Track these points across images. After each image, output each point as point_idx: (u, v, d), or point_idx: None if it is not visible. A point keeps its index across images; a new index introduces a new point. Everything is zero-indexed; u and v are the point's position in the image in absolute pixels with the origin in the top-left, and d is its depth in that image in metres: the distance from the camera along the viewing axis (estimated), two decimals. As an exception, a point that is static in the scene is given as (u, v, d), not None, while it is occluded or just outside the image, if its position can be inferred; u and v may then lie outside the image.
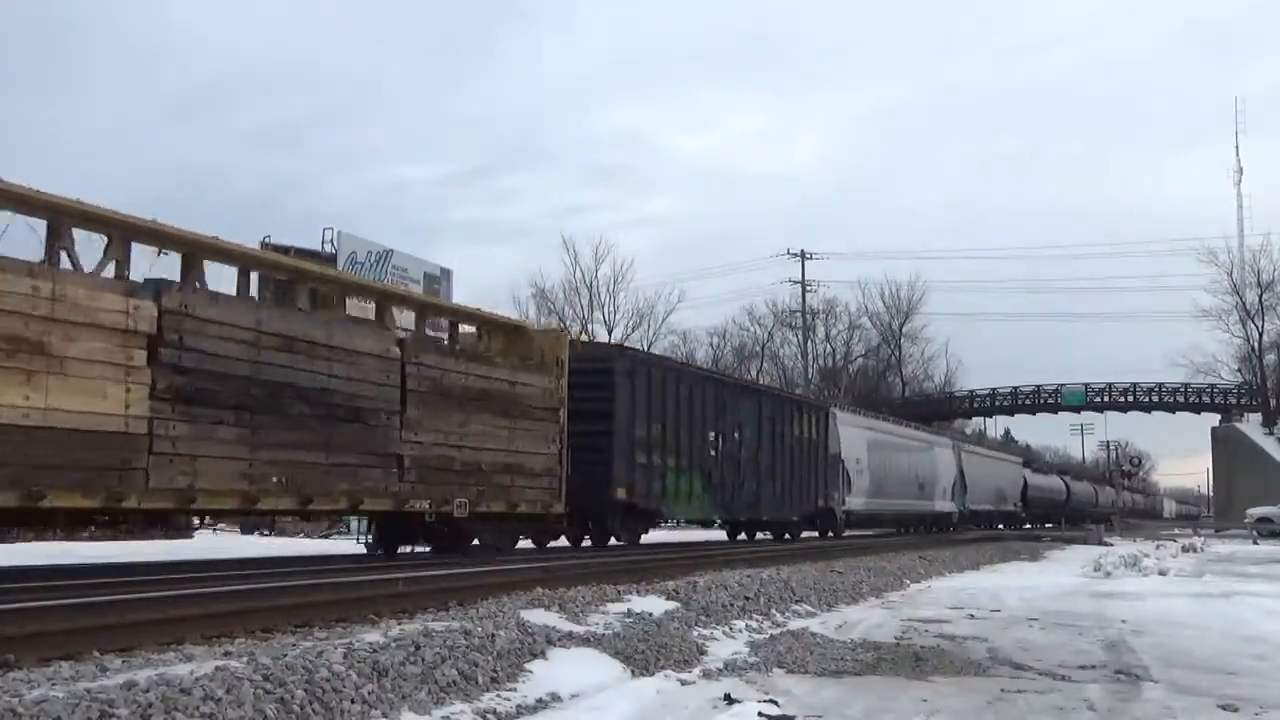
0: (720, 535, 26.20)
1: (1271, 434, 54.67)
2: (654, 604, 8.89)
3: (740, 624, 9.10)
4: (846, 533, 28.73)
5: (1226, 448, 56.93)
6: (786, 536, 25.10)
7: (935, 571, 17.37)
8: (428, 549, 14.52)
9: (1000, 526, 46.67)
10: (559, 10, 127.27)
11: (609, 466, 16.85)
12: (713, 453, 20.22)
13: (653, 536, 21.61)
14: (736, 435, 21.26)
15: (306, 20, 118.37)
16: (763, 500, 22.52)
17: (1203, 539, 34.32)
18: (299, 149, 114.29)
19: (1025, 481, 53.42)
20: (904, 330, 69.36)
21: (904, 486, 33.75)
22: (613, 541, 18.02)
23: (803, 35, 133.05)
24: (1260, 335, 60.03)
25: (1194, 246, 66.19)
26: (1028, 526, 52.24)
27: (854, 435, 29.66)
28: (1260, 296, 59.43)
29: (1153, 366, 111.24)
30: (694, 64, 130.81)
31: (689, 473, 19.31)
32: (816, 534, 27.05)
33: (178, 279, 10.35)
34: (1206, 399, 63.24)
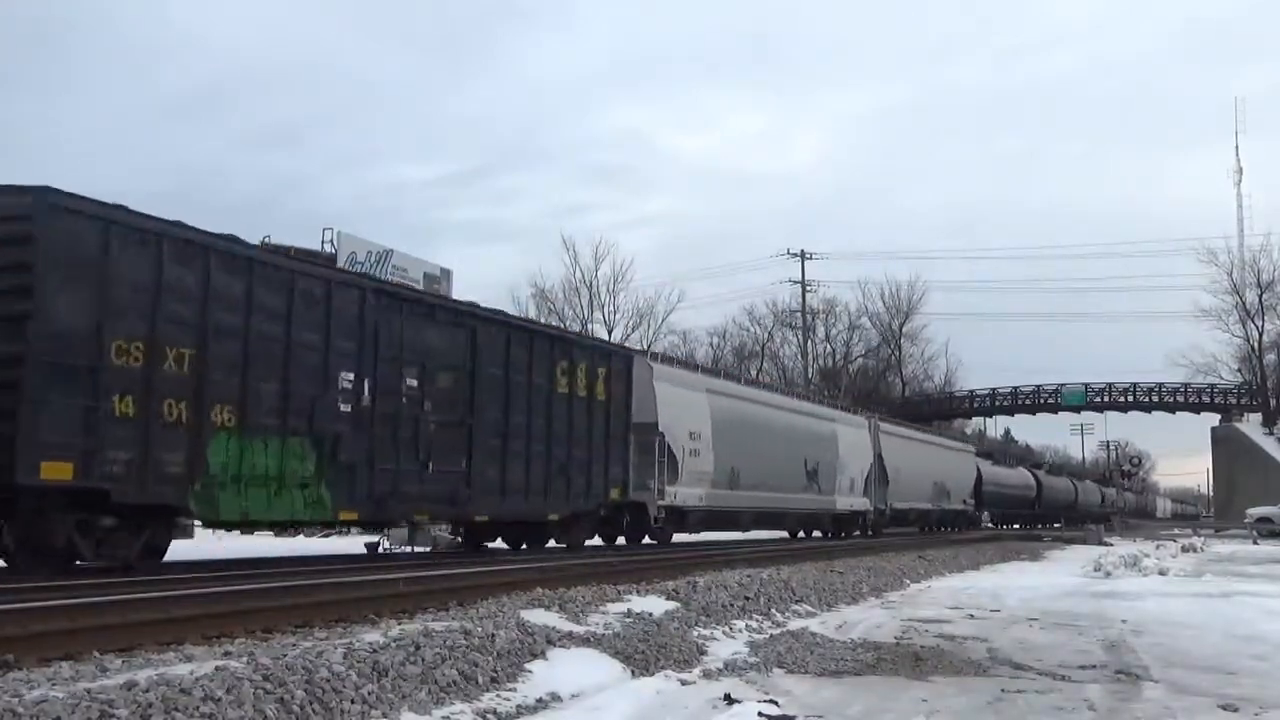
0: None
1: (1271, 434, 54.63)
2: (654, 604, 8.90)
3: (740, 624, 9.11)
4: (678, 538, 21.51)
5: (1226, 448, 56.89)
6: (557, 543, 17.14)
7: (935, 571, 17.39)
8: None
9: (944, 529, 39.44)
10: (559, 10, 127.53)
11: (12, 418, 9.14)
12: (346, 407, 12.33)
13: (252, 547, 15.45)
14: (415, 382, 13.44)
15: (306, 20, 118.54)
16: (480, 490, 14.36)
17: (1203, 539, 34.34)
18: (299, 149, 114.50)
19: (980, 475, 44.82)
20: (904, 330, 69.38)
21: (780, 476, 24.89)
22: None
23: (803, 35, 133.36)
24: (1260, 335, 60.09)
25: (1194, 246, 66.55)
26: (987, 527, 45.66)
27: (685, 401, 21.16)
28: (1260, 296, 59.46)
29: (1153, 366, 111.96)
30: (694, 64, 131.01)
31: (276, 438, 11.48)
32: (626, 540, 19.84)
33: None
34: (1206, 399, 63.20)
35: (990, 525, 47.27)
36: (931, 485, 37.49)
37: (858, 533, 30.87)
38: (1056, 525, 56.31)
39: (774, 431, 25.22)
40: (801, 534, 29.71)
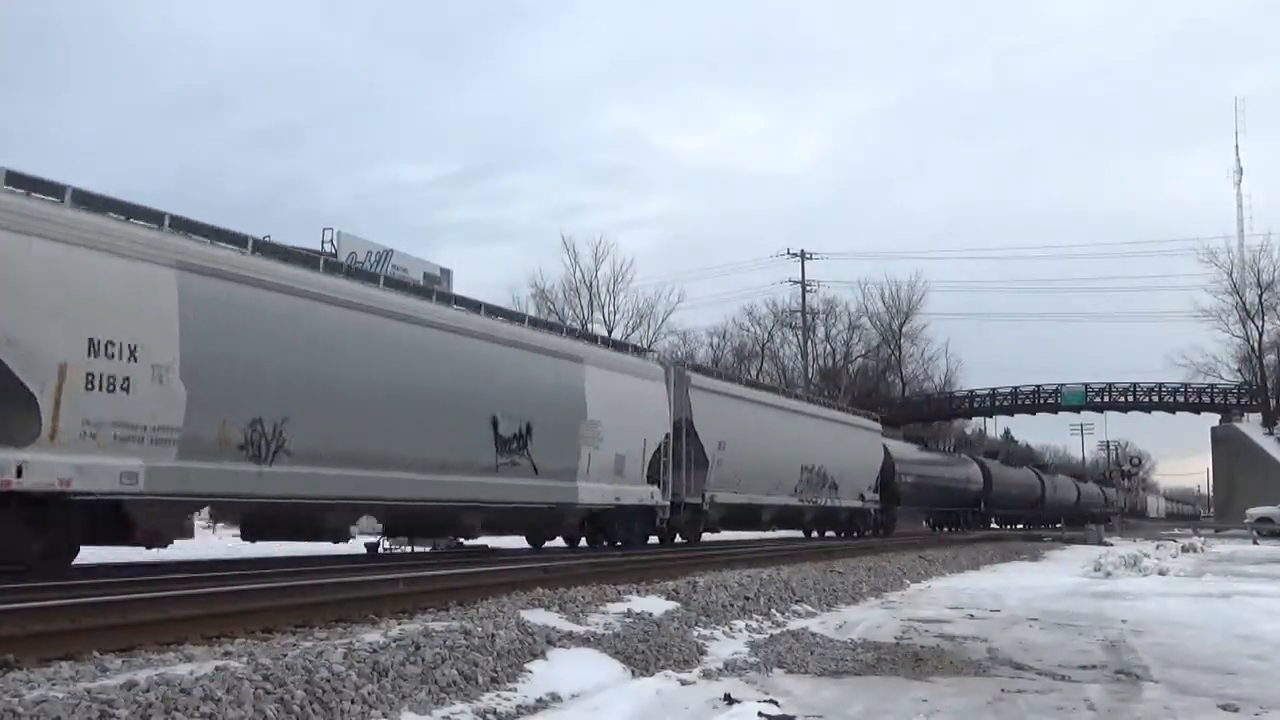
0: None
1: (1271, 434, 54.60)
2: (654, 604, 8.90)
3: (740, 624, 9.11)
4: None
5: (1226, 448, 56.86)
6: None
7: (935, 571, 17.38)
8: None
9: (837, 534, 30.13)
10: (559, 10, 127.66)
11: None
12: None
13: None
14: None
15: (306, 21, 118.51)
16: None
17: (1203, 539, 34.33)
18: (299, 149, 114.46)
19: (890, 462, 33.20)
20: (904, 330, 69.29)
21: (428, 442, 13.91)
22: None
23: (803, 35, 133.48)
24: (1260, 335, 60.06)
25: (1194, 246, 66.44)
26: (904, 531, 34.20)
27: (78, 276, 10.09)
28: (1260, 296, 59.44)
29: (1153, 366, 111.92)
30: (694, 64, 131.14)
31: None
32: None
33: None
34: (1206, 399, 63.14)
35: (923, 527, 36.51)
36: (799, 473, 26.33)
37: (655, 539, 20.67)
38: (1019, 527, 49.19)
39: (407, 359, 13.73)
40: (562, 541, 18.67)
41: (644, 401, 19.62)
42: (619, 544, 18.58)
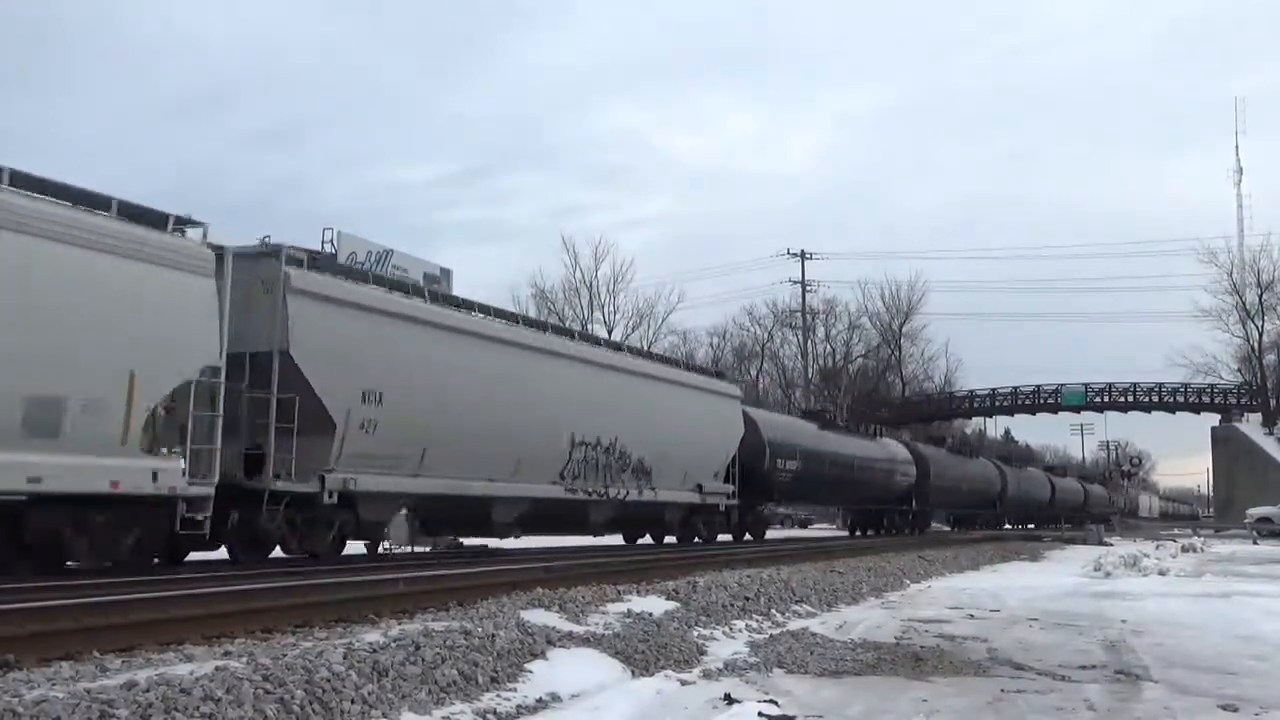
0: None
1: (1271, 434, 54.60)
2: (654, 604, 8.90)
3: (740, 624, 9.11)
4: None
5: (1226, 448, 56.83)
6: None
7: (935, 571, 17.39)
8: None
9: (659, 540, 21.45)
10: (558, 10, 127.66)
11: None
12: None
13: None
14: None
15: (306, 20, 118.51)
16: None
17: (1203, 539, 34.32)
18: (299, 149, 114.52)
19: (757, 441, 24.18)
20: (904, 330, 69.30)
21: None
22: None
23: (802, 35, 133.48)
24: (1260, 335, 60.15)
25: (1194, 246, 66.54)
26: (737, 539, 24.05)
27: None
28: (1260, 296, 59.54)
29: (1153, 366, 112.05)
30: (694, 64, 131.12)
31: None
32: None
33: None
34: (1206, 399, 63.14)
35: (847, 530, 25.17)
36: (567, 450, 17.46)
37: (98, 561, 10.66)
38: (977, 528, 41.07)
39: None
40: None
41: (138, 303, 10.57)
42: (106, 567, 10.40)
